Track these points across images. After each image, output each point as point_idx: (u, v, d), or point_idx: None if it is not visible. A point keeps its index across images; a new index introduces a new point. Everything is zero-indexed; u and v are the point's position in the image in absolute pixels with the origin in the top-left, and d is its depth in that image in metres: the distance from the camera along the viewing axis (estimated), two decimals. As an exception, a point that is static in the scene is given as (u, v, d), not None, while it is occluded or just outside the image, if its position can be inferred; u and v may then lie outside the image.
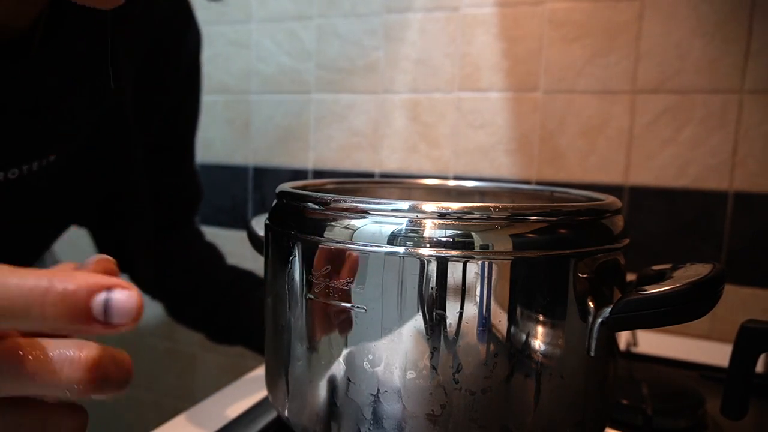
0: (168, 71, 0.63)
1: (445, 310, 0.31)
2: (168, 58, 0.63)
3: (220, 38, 1.01)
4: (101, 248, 0.67)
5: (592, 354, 0.33)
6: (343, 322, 0.33)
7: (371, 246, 0.32)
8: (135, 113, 0.58)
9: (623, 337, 0.66)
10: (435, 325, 0.31)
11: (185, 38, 0.64)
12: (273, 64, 0.98)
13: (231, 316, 0.68)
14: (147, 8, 0.57)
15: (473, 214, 0.31)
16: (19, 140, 0.48)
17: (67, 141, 0.53)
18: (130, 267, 0.72)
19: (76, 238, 0.68)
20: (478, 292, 0.31)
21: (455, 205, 0.32)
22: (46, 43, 0.46)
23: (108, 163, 0.58)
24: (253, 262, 0.71)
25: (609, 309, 0.32)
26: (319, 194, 0.36)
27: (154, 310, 1.13)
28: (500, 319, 0.31)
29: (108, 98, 0.54)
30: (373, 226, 0.32)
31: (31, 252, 0.64)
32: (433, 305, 0.31)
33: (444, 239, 0.31)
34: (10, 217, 0.53)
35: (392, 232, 0.32)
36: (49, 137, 0.50)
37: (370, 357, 0.33)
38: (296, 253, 0.35)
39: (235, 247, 0.76)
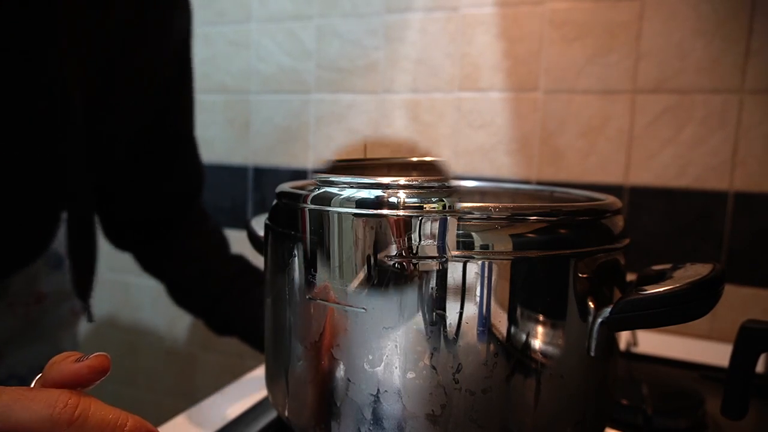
0: (151, 50, 0.59)
1: (445, 310, 0.31)
2: (151, 37, 0.59)
3: (220, 38, 1.01)
4: (106, 230, 0.67)
5: (592, 354, 0.33)
6: (343, 322, 0.33)
7: (371, 246, 0.32)
8: (105, 97, 0.55)
9: (623, 337, 0.66)
10: (435, 325, 0.31)
11: (171, 14, 0.60)
12: (273, 64, 0.98)
13: (233, 309, 0.68)
14: None
15: (473, 214, 0.31)
16: None
17: (9, 125, 0.49)
18: (133, 246, 0.73)
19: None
20: (478, 292, 0.31)
21: (455, 205, 0.31)
22: None
23: (51, 148, 0.54)
24: (253, 262, 0.72)
25: (609, 309, 0.32)
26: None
27: (155, 309, 1.13)
28: (500, 319, 0.31)
29: (57, 81, 0.50)
30: (373, 226, 0.32)
31: (33, 243, 0.62)
32: (433, 305, 0.31)
33: (444, 239, 0.31)
34: None
35: (392, 232, 0.32)
36: None
37: (370, 357, 0.32)
38: (296, 253, 0.35)
39: (235, 247, 0.75)
